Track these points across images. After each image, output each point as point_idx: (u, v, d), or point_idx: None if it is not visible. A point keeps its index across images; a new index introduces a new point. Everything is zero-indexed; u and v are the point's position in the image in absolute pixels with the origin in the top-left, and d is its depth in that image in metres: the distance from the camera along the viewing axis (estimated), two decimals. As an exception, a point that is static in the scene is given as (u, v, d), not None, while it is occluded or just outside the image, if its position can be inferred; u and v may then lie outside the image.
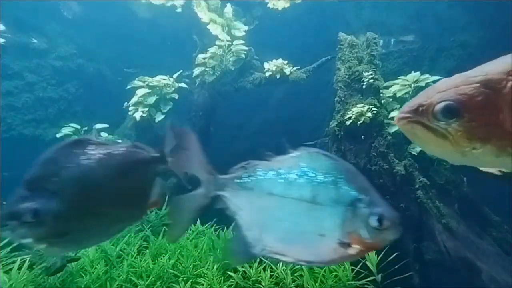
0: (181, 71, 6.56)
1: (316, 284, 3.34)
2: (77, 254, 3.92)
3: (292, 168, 1.59)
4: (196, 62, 6.61)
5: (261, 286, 3.35)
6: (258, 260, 3.65)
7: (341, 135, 4.60)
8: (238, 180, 1.73)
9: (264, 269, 3.49)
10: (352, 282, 3.38)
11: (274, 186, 1.60)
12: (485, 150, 1.38)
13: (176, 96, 6.23)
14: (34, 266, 3.32)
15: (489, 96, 1.38)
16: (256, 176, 1.69)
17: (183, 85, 6.36)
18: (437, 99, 1.43)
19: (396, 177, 4.22)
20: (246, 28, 6.67)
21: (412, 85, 4.68)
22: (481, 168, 2.63)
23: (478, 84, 1.40)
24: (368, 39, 5.12)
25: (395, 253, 3.42)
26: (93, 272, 3.62)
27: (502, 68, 1.42)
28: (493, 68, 1.44)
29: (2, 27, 6.99)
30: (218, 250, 3.86)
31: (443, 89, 1.45)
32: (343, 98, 4.79)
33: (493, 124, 1.36)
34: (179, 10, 6.70)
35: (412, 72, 4.83)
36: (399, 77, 4.90)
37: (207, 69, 6.50)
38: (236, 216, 1.67)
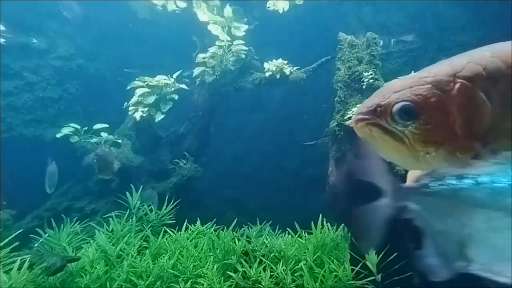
0: (181, 71, 6.56)
1: (316, 284, 3.34)
2: (77, 254, 3.92)
3: (497, 176, 1.35)
4: (196, 61, 6.62)
5: (261, 286, 3.35)
6: (258, 260, 3.65)
7: (341, 135, 4.60)
8: (425, 189, 1.55)
9: (264, 269, 3.49)
10: (352, 282, 3.38)
11: (477, 196, 1.37)
12: (437, 155, 1.34)
13: (176, 96, 6.23)
14: (34, 266, 3.31)
15: (441, 97, 1.35)
16: (448, 184, 1.51)
17: (183, 86, 6.36)
18: (394, 99, 1.38)
19: (396, 176, 4.22)
20: (246, 28, 6.66)
21: (412, 85, 4.67)
22: None
23: (430, 85, 1.37)
24: (368, 39, 5.11)
25: (395, 253, 3.42)
26: (93, 272, 3.62)
27: (449, 70, 1.39)
28: (441, 69, 1.41)
29: (2, 27, 6.99)
30: (218, 250, 3.86)
31: (398, 88, 1.40)
32: (343, 98, 4.79)
33: (445, 127, 1.32)
34: (178, 11, 6.69)
35: (412, 72, 4.81)
36: (399, 77, 4.90)
37: (207, 69, 6.49)
38: (428, 228, 1.53)
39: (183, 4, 6.66)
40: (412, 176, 1.98)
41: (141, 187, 5.09)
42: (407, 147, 1.37)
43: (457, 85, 1.33)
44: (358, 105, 4.53)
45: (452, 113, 1.32)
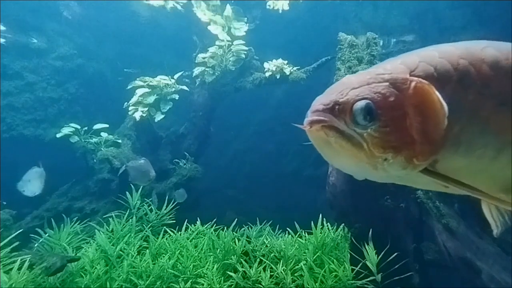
0: (182, 72, 6.56)
1: (316, 284, 3.34)
2: (77, 254, 3.92)
3: None
4: (196, 61, 6.62)
5: (261, 286, 3.35)
6: (258, 260, 3.65)
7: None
8: None
9: (264, 269, 3.49)
10: (352, 282, 3.38)
11: None
12: (395, 162, 1.23)
13: (176, 96, 6.23)
14: (34, 266, 3.31)
15: (398, 97, 1.23)
16: None
17: (184, 87, 6.36)
18: (353, 96, 1.24)
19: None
20: (246, 28, 6.66)
21: (412, 85, 4.67)
22: None
23: (387, 83, 1.25)
24: (368, 39, 5.11)
25: (395, 253, 3.42)
26: (93, 272, 3.61)
27: (404, 68, 1.29)
28: (395, 67, 1.31)
29: (2, 27, 6.99)
30: (218, 250, 3.86)
31: (356, 85, 1.27)
32: (343, 98, 4.78)
33: (402, 130, 1.22)
34: (180, 8, 6.69)
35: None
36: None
37: (207, 69, 6.50)
38: None
39: (182, 3, 6.66)
40: None
41: (141, 186, 5.08)
42: (365, 153, 1.23)
43: (413, 84, 1.24)
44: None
45: (409, 114, 1.22)
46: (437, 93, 1.20)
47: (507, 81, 1.31)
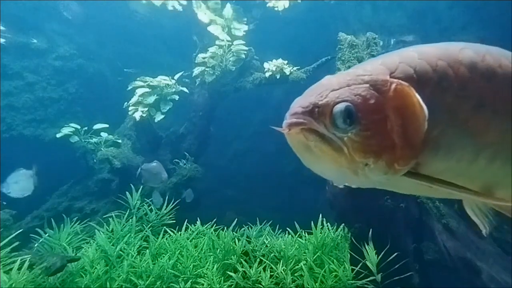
0: (183, 72, 6.56)
1: (316, 284, 3.34)
2: (77, 254, 3.92)
3: None
4: (196, 61, 6.62)
5: (261, 286, 3.35)
6: (258, 260, 3.65)
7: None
8: None
9: (264, 269, 3.49)
10: (352, 282, 3.38)
11: None
12: (376, 167, 1.19)
13: (176, 97, 6.23)
14: (34, 266, 3.31)
15: (378, 99, 1.19)
16: None
17: (184, 88, 6.36)
18: (333, 98, 1.19)
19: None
20: (246, 28, 6.66)
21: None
22: None
23: (367, 85, 1.21)
24: (368, 39, 5.11)
25: (395, 253, 3.42)
26: (93, 272, 3.61)
27: (384, 69, 1.26)
28: (375, 67, 1.27)
29: (2, 27, 6.99)
30: (218, 250, 3.86)
31: (336, 86, 1.22)
32: (343, 98, 4.78)
33: (383, 134, 1.18)
34: (180, 8, 6.69)
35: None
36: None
37: (207, 69, 6.50)
38: None
39: (182, 3, 6.66)
40: None
41: (141, 187, 5.09)
42: (346, 158, 1.19)
43: (393, 86, 1.20)
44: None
45: (390, 117, 1.18)
46: (417, 95, 1.18)
47: (484, 83, 1.30)
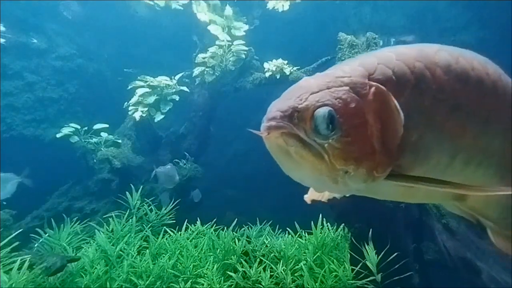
0: (183, 73, 6.56)
1: (316, 284, 3.34)
2: (77, 254, 3.92)
3: None
4: (196, 61, 6.62)
5: (261, 286, 3.35)
6: (258, 260, 3.65)
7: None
8: None
9: (264, 269, 3.48)
10: (352, 282, 3.38)
11: None
12: (356, 174, 1.13)
13: (177, 97, 6.23)
14: (34, 266, 3.31)
15: (358, 103, 1.12)
16: None
17: (184, 88, 6.36)
18: (313, 102, 1.11)
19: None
20: (246, 28, 6.66)
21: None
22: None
23: (347, 87, 1.14)
24: (368, 39, 5.11)
25: (395, 253, 3.42)
26: (93, 272, 3.61)
27: (362, 71, 1.21)
28: (354, 69, 1.22)
29: (2, 27, 6.99)
30: (218, 250, 3.86)
31: (315, 89, 1.15)
32: (343, 98, 4.78)
33: (364, 139, 1.12)
34: (179, 7, 6.69)
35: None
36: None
37: (207, 69, 6.50)
38: None
39: (182, 3, 6.66)
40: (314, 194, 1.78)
41: (141, 187, 5.09)
42: (326, 165, 1.11)
43: (373, 89, 1.14)
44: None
45: (369, 122, 1.12)
46: (394, 100, 1.14)
47: (459, 85, 1.28)
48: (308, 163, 1.13)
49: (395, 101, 1.14)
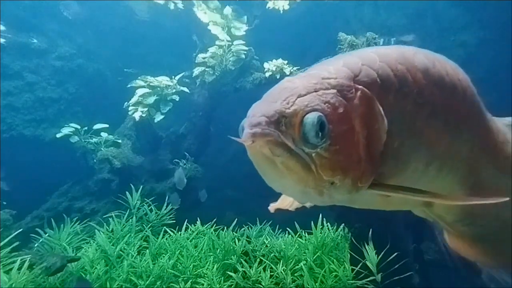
0: (183, 73, 6.56)
1: (316, 284, 3.34)
2: (77, 254, 3.92)
3: None
4: (196, 61, 6.62)
5: (261, 286, 3.35)
6: (258, 260, 3.65)
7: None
8: None
9: (264, 269, 3.49)
10: (352, 282, 3.38)
11: None
12: (342, 185, 1.04)
13: (177, 97, 6.24)
14: (34, 266, 3.31)
15: (346, 108, 1.03)
16: None
17: (185, 88, 6.36)
18: (302, 106, 1.00)
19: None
20: (246, 28, 6.67)
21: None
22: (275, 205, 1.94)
23: (334, 90, 1.05)
24: (368, 39, 5.11)
25: (395, 253, 3.42)
26: (93, 272, 3.62)
27: (348, 72, 1.12)
28: (339, 70, 1.13)
29: (2, 27, 6.99)
30: (218, 250, 3.86)
31: (303, 91, 1.03)
32: (343, 98, 4.78)
33: (351, 147, 1.03)
34: (180, 8, 6.69)
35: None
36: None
37: (207, 69, 6.50)
38: None
39: (182, 3, 6.66)
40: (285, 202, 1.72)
41: (141, 186, 5.09)
42: (313, 176, 1.01)
43: (359, 93, 1.06)
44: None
45: (355, 128, 1.03)
46: (378, 104, 1.06)
47: (436, 90, 1.23)
48: (294, 174, 1.02)
49: (379, 106, 1.06)
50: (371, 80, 1.12)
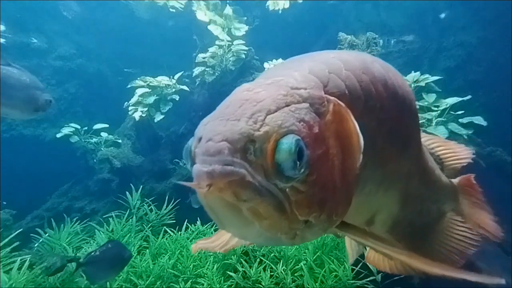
0: (183, 72, 6.56)
1: (316, 284, 3.34)
2: (77, 254, 3.92)
3: None
4: (196, 61, 6.62)
5: (261, 286, 3.35)
6: (258, 260, 3.65)
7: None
8: None
9: (264, 269, 3.49)
10: (352, 282, 3.38)
11: None
12: (317, 223, 0.82)
13: (177, 97, 6.24)
14: (34, 266, 3.32)
15: (320, 126, 0.81)
16: None
17: (184, 87, 6.36)
18: (275, 127, 0.74)
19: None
20: (246, 28, 6.67)
21: (412, 85, 4.68)
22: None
23: (307, 104, 0.82)
24: (368, 39, 5.12)
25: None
26: (93, 272, 3.61)
27: (316, 81, 0.90)
28: (307, 78, 0.90)
29: (2, 27, 6.99)
30: (218, 250, 3.86)
31: (272, 106, 0.78)
32: (343, 98, 4.78)
33: (327, 174, 0.82)
34: (180, 8, 6.69)
35: (412, 72, 4.83)
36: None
37: (207, 68, 6.50)
38: None
39: (182, 3, 6.66)
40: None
41: (141, 186, 5.09)
42: (287, 217, 0.77)
43: (331, 106, 0.85)
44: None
45: (330, 150, 0.82)
46: (353, 119, 0.84)
47: (393, 105, 1.08)
48: (264, 220, 0.76)
49: (355, 122, 0.84)
50: (340, 91, 0.92)
